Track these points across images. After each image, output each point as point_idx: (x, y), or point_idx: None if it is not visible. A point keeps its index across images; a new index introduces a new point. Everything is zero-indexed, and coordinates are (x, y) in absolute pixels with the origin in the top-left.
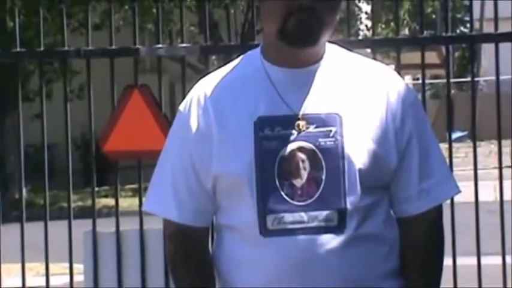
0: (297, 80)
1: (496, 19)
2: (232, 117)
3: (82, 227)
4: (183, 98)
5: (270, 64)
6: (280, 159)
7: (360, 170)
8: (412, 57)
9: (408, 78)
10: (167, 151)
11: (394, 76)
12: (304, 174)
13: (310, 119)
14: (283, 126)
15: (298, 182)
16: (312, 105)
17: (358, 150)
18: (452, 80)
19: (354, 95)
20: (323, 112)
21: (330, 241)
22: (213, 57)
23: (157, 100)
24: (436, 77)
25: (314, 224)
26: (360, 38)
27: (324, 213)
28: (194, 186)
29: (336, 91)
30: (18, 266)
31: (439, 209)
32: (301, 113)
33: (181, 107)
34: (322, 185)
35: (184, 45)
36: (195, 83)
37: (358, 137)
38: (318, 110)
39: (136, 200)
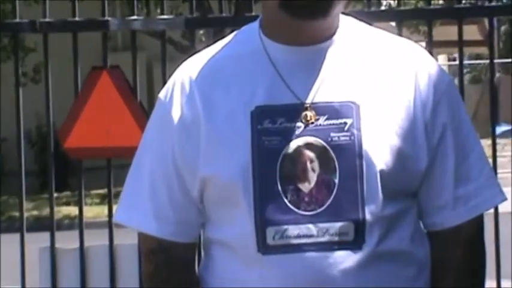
0: (303, 60)
1: None
2: (224, 106)
3: (38, 241)
4: (164, 83)
5: (271, 41)
6: (283, 159)
7: (381, 171)
8: (447, 32)
9: (442, 58)
10: (144, 149)
11: (425, 55)
12: (313, 177)
13: (320, 109)
14: (287, 118)
15: (305, 187)
16: (322, 91)
17: (380, 147)
18: (496, 61)
19: (375, 79)
20: (336, 100)
21: (345, 260)
22: (201, 32)
23: (132, 85)
24: (477, 57)
25: (325, 238)
26: (383, 8)
27: (338, 225)
28: (177, 193)
29: (352, 74)
30: None
31: (479, 221)
32: (309, 101)
33: (161, 95)
34: (334, 191)
35: (164, 17)
36: (179, 64)
37: (380, 131)
38: (330, 98)
39: (105, 209)
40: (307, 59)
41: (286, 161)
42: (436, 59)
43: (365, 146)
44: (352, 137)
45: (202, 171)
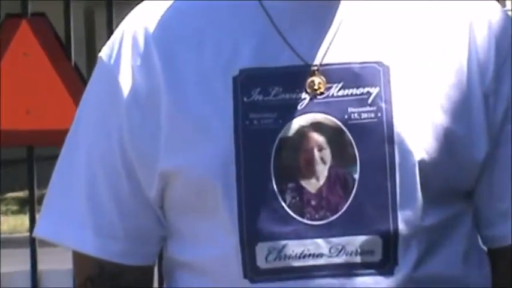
0: (309, 8)
1: None
2: (195, 71)
3: None
4: (108, 37)
5: None
6: (280, 145)
7: (421, 162)
8: None
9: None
10: (78, 132)
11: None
12: (323, 171)
13: (333, 73)
14: (285, 87)
15: (311, 185)
16: (335, 48)
17: (419, 127)
18: None
19: (410, 31)
20: (355, 61)
21: None
22: None
23: (63, 41)
24: None
25: (341, 259)
26: None
27: (359, 239)
28: (126, 195)
29: (377, 25)
30: None
31: None
32: (316, 62)
33: (103, 54)
34: (354, 190)
35: None
36: (129, 11)
37: (419, 105)
38: (347, 58)
39: (25, 219)
40: (315, 4)
41: (284, 149)
42: (503, 5)
43: (397, 126)
44: (379, 114)
45: (163, 164)
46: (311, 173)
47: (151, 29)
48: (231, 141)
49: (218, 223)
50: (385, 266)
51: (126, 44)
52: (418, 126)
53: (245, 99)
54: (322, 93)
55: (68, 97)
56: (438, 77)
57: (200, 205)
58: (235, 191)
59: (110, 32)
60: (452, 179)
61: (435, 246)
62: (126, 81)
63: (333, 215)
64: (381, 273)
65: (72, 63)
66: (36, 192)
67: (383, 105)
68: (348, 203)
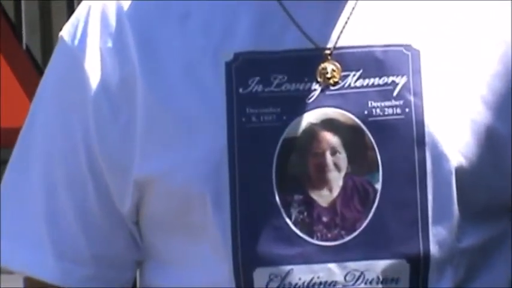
0: None
1: None
2: (178, 54)
3: None
4: (70, 14)
5: None
6: (285, 147)
7: (459, 170)
8: None
9: None
10: (34, 131)
11: None
12: (337, 180)
13: (350, 59)
14: (291, 75)
15: (322, 197)
16: (352, 29)
17: (455, 127)
18: None
19: (445, 9)
20: (377, 43)
21: None
22: None
23: (14, 21)
24: None
25: (360, 287)
26: None
27: (381, 264)
28: (93, 209)
29: (404, 1)
30: None
31: None
32: (330, 45)
33: (65, 33)
34: (375, 204)
35: None
36: None
37: (455, 99)
38: (367, 40)
39: None
40: None
41: (289, 152)
42: None
43: (429, 125)
44: (407, 109)
45: (139, 170)
46: (322, 182)
47: (124, 4)
48: (224, 142)
49: (207, 243)
50: None
51: (93, 21)
52: (455, 124)
53: (241, 90)
54: (336, 83)
55: (18, 88)
56: (479, 64)
57: (185, 221)
58: (228, 204)
59: (71, 11)
60: (496, 189)
61: (474, 272)
62: (93, 67)
63: (349, 234)
64: None
65: (23, 45)
66: None
67: (411, 98)
68: (368, 219)
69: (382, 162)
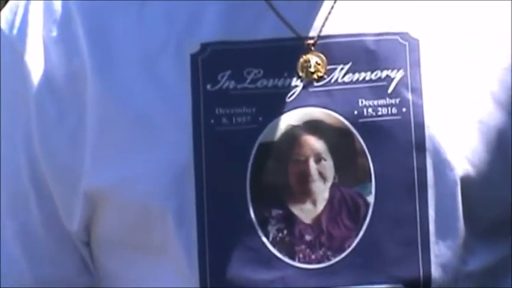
0: None
1: None
2: (136, 45)
3: None
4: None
5: None
6: (261, 154)
7: (465, 180)
8: None
9: None
10: None
11: None
12: (322, 192)
13: (337, 50)
14: (268, 69)
15: (305, 212)
16: (340, 15)
17: (461, 129)
18: None
19: None
20: (369, 31)
21: None
22: None
23: None
24: None
25: None
26: None
27: None
28: (36, 227)
29: None
30: None
31: None
32: (313, 33)
33: (3, 20)
34: (367, 220)
35: None
36: None
37: (460, 96)
38: (357, 27)
39: None
40: None
41: (266, 159)
42: None
43: (430, 127)
44: (404, 109)
45: (89, 180)
46: (305, 194)
47: None
48: (189, 147)
49: (170, 266)
50: None
51: (35, 6)
52: (460, 126)
53: (209, 87)
54: (320, 79)
55: None
56: (488, 57)
57: (144, 240)
58: (194, 221)
59: None
60: (508, 202)
61: None
62: (35, 60)
63: (336, 255)
64: None
65: None
66: None
67: (409, 96)
68: (359, 238)
69: (375, 170)
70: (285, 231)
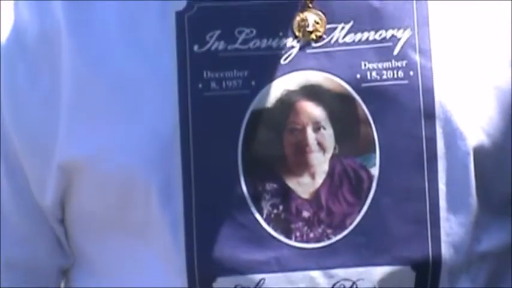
0: None
1: None
2: (115, 2)
3: None
4: None
5: None
6: (254, 122)
7: (478, 151)
8: None
9: None
10: None
11: None
12: (321, 164)
13: (337, 7)
14: (261, 27)
15: (303, 186)
16: None
17: (474, 95)
18: None
19: None
20: None
21: None
22: None
23: None
24: None
25: None
26: None
27: (378, 271)
28: (5, 202)
29: None
30: None
31: None
32: None
33: None
34: (370, 194)
35: None
36: None
37: (473, 59)
38: None
39: None
40: None
41: (259, 128)
42: None
43: (441, 93)
44: (411, 72)
45: (64, 151)
46: (302, 166)
47: None
48: (175, 115)
49: (153, 246)
50: None
51: None
52: (474, 92)
53: (196, 48)
54: (319, 39)
55: None
56: (504, 18)
57: (124, 218)
58: (180, 195)
59: None
60: None
61: (497, 282)
62: (4, 19)
63: (337, 233)
64: None
65: None
66: None
67: (417, 58)
68: (362, 214)
69: (379, 140)
70: (280, 207)
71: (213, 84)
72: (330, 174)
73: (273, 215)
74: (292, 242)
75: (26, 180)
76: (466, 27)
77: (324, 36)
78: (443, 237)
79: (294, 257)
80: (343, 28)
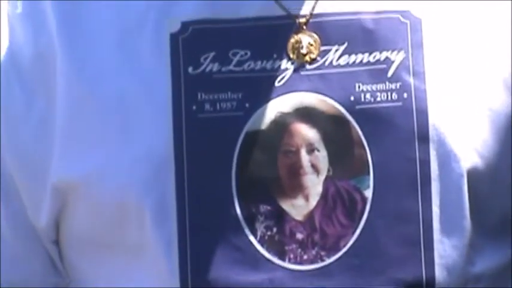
0: None
1: None
2: (111, 24)
3: None
4: None
5: None
6: (248, 144)
7: (472, 173)
8: None
9: None
10: None
11: None
12: (315, 186)
13: (331, 30)
14: (256, 50)
15: (297, 208)
16: None
17: (468, 118)
18: None
19: None
20: (367, 10)
21: None
22: None
23: None
24: None
25: None
26: None
27: None
28: (1, 223)
29: None
30: None
31: None
32: (304, 11)
33: None
34: (364, 217)
35: None
36: None
37: (467, 82)
38: (353, 5)
39: None
40: None
41: (253, 150)
42: None
43: (434, 115)
44: (405, 94)
45: (58, 173)
46: (296, 188)
47: None
48: (169, 136)
49: (147, 267)
50: None
51: None
52: (467, 114)
53: (190, 69)
54: (313, 61)
55: None
56: (500, 39)
57: (117, 238)
58: (174, 217)
59: None
60: None
61: None
62: (0, 39)
63: (331, 255)
64: None
65: None
66: None
67: (411, 80)
68: (355, 236)
69: (373, 162)
70: (274, 229)
71: (207, 106)
72: (324, 196)
73: (266, 237)
74: (286, 264)
75: (20, 202)
76: (460, 49)
77: (318, 58)
78: (436, 260)
79: (288, 279)
80: (337, 50)
